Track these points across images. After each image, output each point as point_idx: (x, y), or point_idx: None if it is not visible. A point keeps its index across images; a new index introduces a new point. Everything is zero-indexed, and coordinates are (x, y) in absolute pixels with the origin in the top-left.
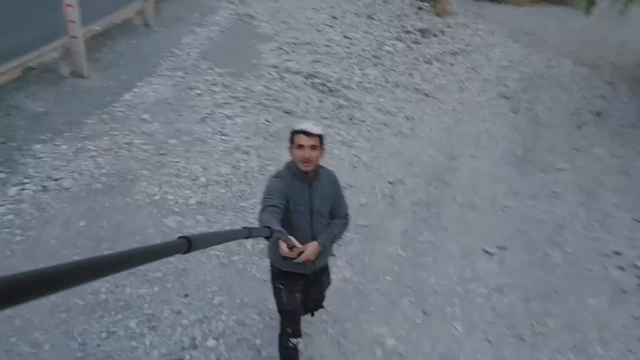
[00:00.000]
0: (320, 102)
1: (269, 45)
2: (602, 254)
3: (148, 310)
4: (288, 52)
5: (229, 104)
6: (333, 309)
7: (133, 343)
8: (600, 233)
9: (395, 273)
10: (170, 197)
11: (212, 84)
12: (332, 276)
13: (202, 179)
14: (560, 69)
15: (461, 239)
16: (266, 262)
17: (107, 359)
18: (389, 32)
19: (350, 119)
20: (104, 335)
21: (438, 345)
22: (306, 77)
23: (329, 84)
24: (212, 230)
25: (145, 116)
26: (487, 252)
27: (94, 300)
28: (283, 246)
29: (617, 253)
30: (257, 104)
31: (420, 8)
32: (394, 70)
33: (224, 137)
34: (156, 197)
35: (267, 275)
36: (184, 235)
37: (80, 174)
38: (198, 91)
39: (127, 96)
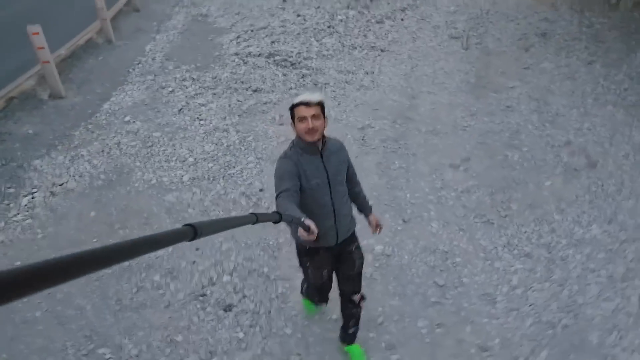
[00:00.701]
0: (285, 75)
1: (227, 36)
2: (555, 146)
3: (167, 265)
4: (247, 39)
5: (200, 94)
6: None
7: (160, 291)
8: (552, 130)
9: (375, 197)
10: (165, 179)
11: (182, 80)
12: None
13: (190, 159)
14: (505, 3)
15: (429, 160)
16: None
17: (140, 306)
18: (339, 3)
19: (315, 84)
20: (134, 290)
21: (419, 242)
22: (268, 57)
23: (290, 59)
24: (217, 217)
25: (127, 118)
26: (453, 165)
27: (119, 267)
28: (301, 231)
29: (567, 142)
30: (226, 89)
31: None
32: (349, 35)
33: (202, 122)
34: (153, 182)
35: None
36: (190, 223)
37: (80, 176)
38: (170, 89)
39: (105, 106)
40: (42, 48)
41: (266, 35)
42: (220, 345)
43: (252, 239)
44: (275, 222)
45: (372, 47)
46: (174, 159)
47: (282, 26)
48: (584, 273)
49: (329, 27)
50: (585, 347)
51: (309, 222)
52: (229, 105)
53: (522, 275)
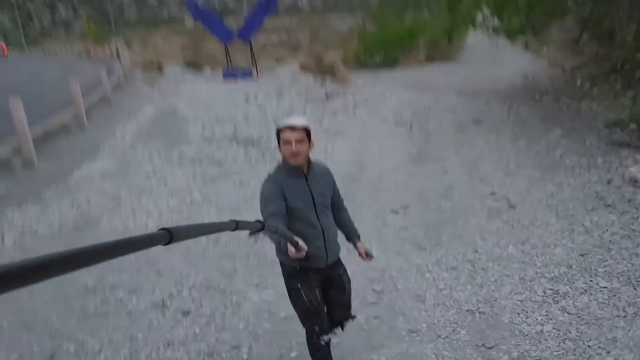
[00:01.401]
0: (246, 152)
1: (194, 125)
2: (482, 196)
3: (130, 285)
4: (212, 126)
5: (168, 164)
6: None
7: (123, 303)
8: (480, 185)
9: None
10: (131, 226)
11: (150, 155)
12: None
13: (155, 212)
14: (446, 100)
15: (373, 207)
16: None
17: (104, 315)
18: (299, 100)
19: (274, 159)
20: (98, 303)
21: (361, 263)
22: (231, 139)
23: (251, 141)
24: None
25: (97, 181)
26: (394, 211)
27: (84, 288)
28: (290, 249)
29: (492, 193)
30: (192, 162)
31: (323, 80)
32: (309, 118)
33: (167, 184)
34: (119, 228)
35: None
36: (165, 227)
37: (50, 224)
38: (138, 161)
39: (76, 172)
40: (21, 122)
41: (230, 124)
42: (177, 338)
43: (209, 264)
44: (256, 232)
45: (327, 131)
46: (140, 211)
47: (245, 117)
48: (500, 277)
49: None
50: (498, 325)
51: (297, 238)
52: (193, 173)
53: (448, 282)
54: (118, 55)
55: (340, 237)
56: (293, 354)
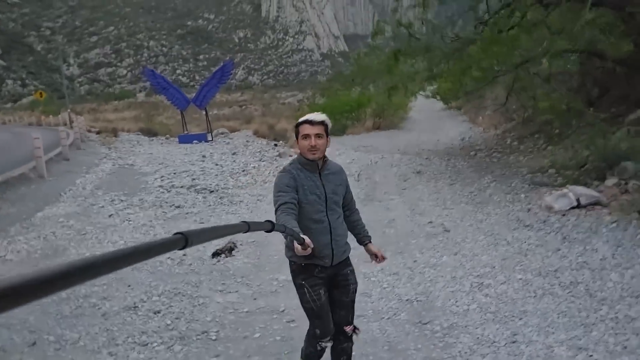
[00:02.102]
0: (204, 198)
1: (152, 177)
2: (421, 225)
3: (103, 294)
4: (170, 178)
5: (129, 208)
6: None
7: (97, 307)
8: (420, 217)
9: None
10: (98, 252)
11: (112, 200)
12: None
13: (121, 242)
14: (391, 158)
15: None
16: None
17: (79, 315)
18: (253, 158)
19: (232, 202)
20: (73, 308)
21: None
22: (189, 188)
23: (209, 189)
24: (209, 226)
25: (61, 219)
26: None
27: (58, 297)
28: (296, 245)
29: (430, 222)
30: (152, 205)
31: (275, 144)
32: (261, 175)
33: (130, 222)
34: (86, 254)
35: None
36: (180, 231)
37: (18, 252)
38: (100, 205)
39: (39, 214)
40: None
41: (187, 176)
42: (151, 329)
43: (176, 278)
44: (267, 232)
45: None
46: (106, 241)
47: (202, 171)
48: (435, 278)
49: (243, 170)
50: (432, 308)
51: (303, 236)
52: (155, 215)
53: (390, 282)
54: (71, 123)
55: (352, 239)
56: (256, 335)
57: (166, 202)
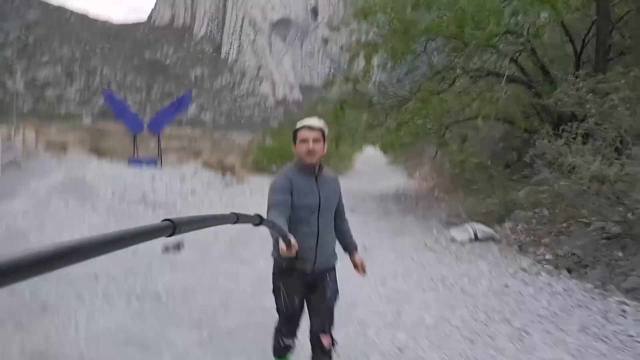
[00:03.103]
0: (153, 211)
1: (104, 189)
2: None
3: None
4: (121, 192)
5: (83, 210)
6: None
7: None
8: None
9: None
10: (59, 239)
11: (65, 203)
12: None
13: (79, 234)
14: None
15: (266, 246)
16: None
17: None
18: (201, 186)
19: (189, 212)
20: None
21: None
22: (139, 201)
23: (160, 204)
24: (198, 214)
25: (18, 214)
26: None
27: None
28: (282, 245)
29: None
30: (105, 211)
31: (223, 175)
32: (207, 198)
33: (85, 221)
34: (49, 240)
35: None
36: (169, 218)
37: None
38: (55, 206)
39: None
40: None
41: (138, 192)
42: (111, 291)
43: (132, 262)
44: (255, 225)
45: (226, 204)
46: (64, 233)
47: (152, 189)
48: (350, 276)
49: (191, 193)
50: (342, 294)
51: (290, 236)
52: (108, 217)
53: None
54: (17, 135)
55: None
56: (200, 300)
57: (118, 211)
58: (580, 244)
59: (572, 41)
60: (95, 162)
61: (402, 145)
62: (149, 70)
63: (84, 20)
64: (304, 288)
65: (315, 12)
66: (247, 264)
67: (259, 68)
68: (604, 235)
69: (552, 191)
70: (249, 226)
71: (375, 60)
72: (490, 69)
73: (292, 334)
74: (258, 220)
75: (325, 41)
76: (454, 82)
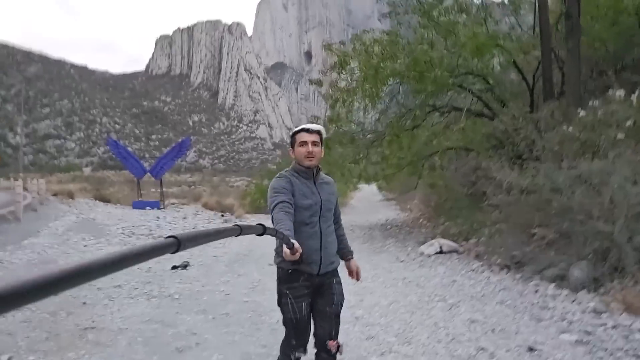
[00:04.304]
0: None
1: (114, 227)
2: None
3: None
4: (130, 229)
5: (99, 244)
6: None
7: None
8: None
9: None
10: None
11: (82, 238)
12: None
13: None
14: None
15: (256, 261)
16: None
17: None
18: (202, 222)
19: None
20: None
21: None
22: (147, 236)
23: (166, 235)
24: (201, 229)
25: (45, 246)
26: (270, 264)
27: None
28: (285, 249)
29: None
30: (118, 243)
31: (222, 215)
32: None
33: (103, 250)
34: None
35: None
36: (173, 235)
37: (20, 259)
38: (75, 240)
39: (25, 242)
40: None
41: (145, 229)
42: (134, 293)
43: (146, 276)
44: (259, 235)
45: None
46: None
47: (158, 226)
48: None
49: (193, 229)
50: None
51: (293, 240)
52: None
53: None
54: (25, 187)
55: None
56: (205, 298)
57: (129, 242)
58: (522, 249)
59: (525, 79)
60: (101, 206)
61: (386, 176)
62: (147, 119)
63: (83, 72)
64: (310, 292)
65: (309, 55)
66: (243, 276)
67: (256, 112)
68: (540, 239)
69: (498, 207)
70: (246, 249)
71: (354, 102)
72: (455, 105)
73: (303, 345)
74: (262, 230)
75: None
76: (425, 118)
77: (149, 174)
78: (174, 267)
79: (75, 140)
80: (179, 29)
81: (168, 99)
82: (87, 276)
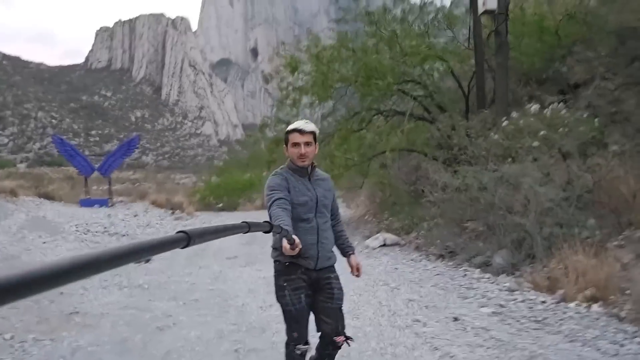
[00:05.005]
0: (118, 240)
1: (67, 225)
2: None
3: None
4: (85, 226)
5: (56, 240)
6: None
7: None
8: None
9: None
10: (46, 259)
11: (38, 236)
12: None
13: (61, 255)
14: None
15: (218, 256)
16: None
17: None
18: (154, 219)
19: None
20: None
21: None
22: (103, 232)
23: (122, 234)
24: (211, 225)
25: (3, 241)
26: (228, 258)
27: None
28: (285, 244)
29: None
30: (75, 239)
31: (172, 212)
32: (163, 228)
33: (61, 247)
34: (37, 261)
35: None
36: (183, 230)
37: None
38: (31, 238)
39: None
40: None
41: (99, 226)
42: (107, 282)
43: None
44: (265, 232)
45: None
46: (49, 255)
47: (111, 223)
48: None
49: (147, 225)
50: None
51: (294, 236)
52: (80, 244)
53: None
54: None
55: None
56: (172, 287)
57: (85, 239)
58: (455, 240)
59: (461, 87)
60: (48, 204)
61: (333, 176)
62: (86, 114)
63: (16, 63)
64: (308, 287)
65: (255, 52)
66: (204, 268)
67: (201, 108)
68: (470, 231)
69: (435, 203)
70: (203, 245)
71: (303, 102)
72: (398, 109)
73: (305, 337)
74: (268, 228)
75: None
76: (370, 121)
77: (96, 171)
78: (137, 261)
79: (8, 136)
80: (120, 21)
81: (109, 94)
82: (97, 267)
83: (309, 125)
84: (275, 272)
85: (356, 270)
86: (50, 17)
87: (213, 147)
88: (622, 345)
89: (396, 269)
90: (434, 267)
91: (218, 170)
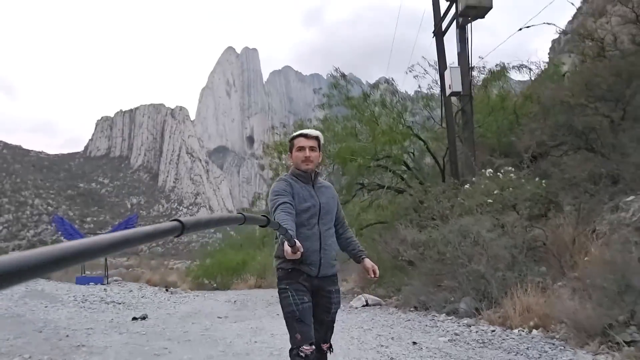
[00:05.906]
0: (114, 307)
1: (66, 296)
2: (272, 315)
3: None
4: (83, 296)
5: (56, 306)
6: None
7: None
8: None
9: None
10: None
11: (40, 303)
12: None
13: (65, 316)
14: (263, 295)
15: (210, 316)
16: None
17: None
18: (149, 293)
19: (137, 309)
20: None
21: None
22: (101, 301)
23: (119, 302)
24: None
25: (10, 306)
26: (219, 317)
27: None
28: (286, 247)
29: (278, 313)
30: (75, 305)
31: (167, 290)
32: (157, 299)
33: (61, 310)
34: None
35: None
36: (177, 218)
37: None
38: (32, 304)
39: None
40: None
41: (97, 296)
42: (105, 323)
43: (112, 325)
44: (262, 227)
45: (174, 302)
46: (52, 315)
47: (107, 294)
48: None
49: (142, 297)
50: (262, 330)
51: (295, 240)
52: (79, 310)
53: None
54: None
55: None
56: (167, 335)
57: (84, 306)
58: (427, 294)
59: (437, 161)
60: (44, 282)
61: None
62: (83, 201)
63: (16, 152)
64: (309, 291)
65: (251, 140)
66: (197, 324)
67: (197, 195)
68: (440, 284)
69: (410, 262)
70: (196, 310)
71: None
72: (380, 183)
73: (309, 337)
74: (265, 222)
75: (262, 167)
76: (354, 194)
77: None
78: (134, 319)
79: (3, 223)
80: (120, 111)
81: (106, 181)
82: (91, 253)
83: (313, 131)
84: (277, 278)
85: (372, 273)
86: (53, 107)
87: (208, 233)
88: (545, 352)
89: (373, 319)
90: (407, 316)
91: (211, 252)
